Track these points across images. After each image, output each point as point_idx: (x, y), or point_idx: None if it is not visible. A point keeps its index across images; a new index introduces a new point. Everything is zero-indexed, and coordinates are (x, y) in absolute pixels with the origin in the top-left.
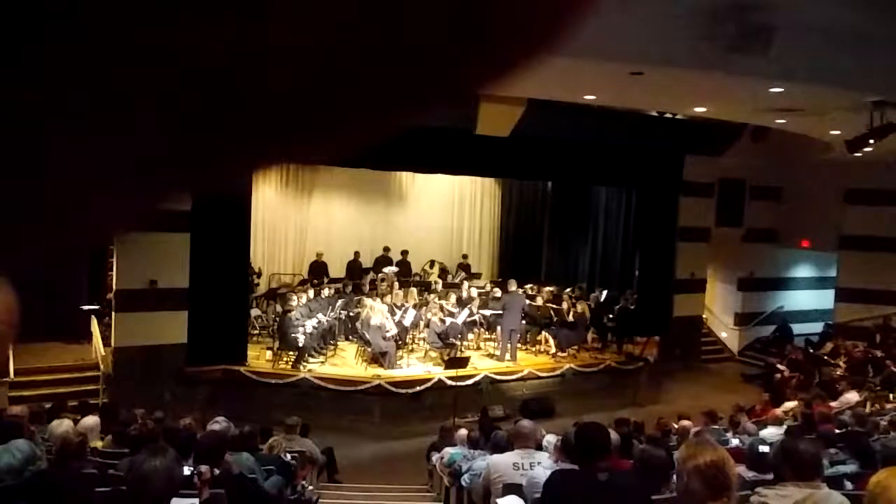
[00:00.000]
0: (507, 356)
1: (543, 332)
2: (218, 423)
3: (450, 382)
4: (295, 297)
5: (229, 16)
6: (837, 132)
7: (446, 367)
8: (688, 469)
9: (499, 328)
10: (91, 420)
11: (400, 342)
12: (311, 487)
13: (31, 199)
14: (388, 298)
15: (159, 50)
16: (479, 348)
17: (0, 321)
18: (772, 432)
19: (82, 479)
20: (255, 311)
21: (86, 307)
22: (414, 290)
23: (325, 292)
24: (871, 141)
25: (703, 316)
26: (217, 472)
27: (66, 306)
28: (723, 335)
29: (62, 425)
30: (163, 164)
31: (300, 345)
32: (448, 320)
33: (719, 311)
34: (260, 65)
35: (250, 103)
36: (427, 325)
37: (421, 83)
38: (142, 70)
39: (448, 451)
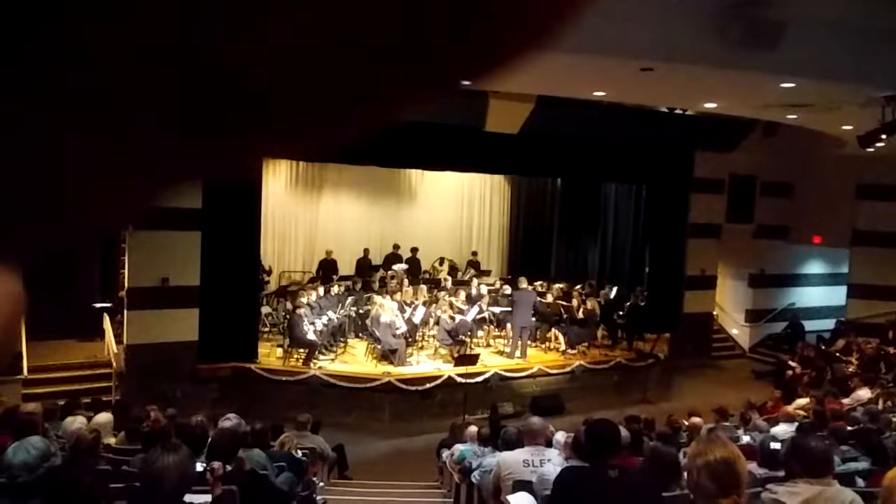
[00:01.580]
0: (518, 353)
1: (553, 329)
2: (229, 420)
3: (459, 379)
4: (305, 295)
5: (229, 15)
6: (849, 127)
7: (456, 365)
8: (698, 465)
9: (509, 325)
10: (104, 417)
11: (410, 339)
12: (321, 484)
13: (34, 194)
14: (397, 296)
15: (160, 49)
16: (488, 345)
17: (7, 314)
18: (783, 429)
19: (96, 475)
20: (265, 309)
21: (98, 305)
22: (423, 287)
23: (335, 290)
24: (884, 136)
25: (714, 312)
26: (229, 468)
27: (79, 304)
28: (734, 332)
29: (76, 422)
30: (163, 160)
31: (311, 342)
32: (458, 317)
33: (730, 307)
34: (260, 63)
35: (250, 99)
36: (437, 323)
37: (418, 76)
38: (142, 69)
39: (458, 447)
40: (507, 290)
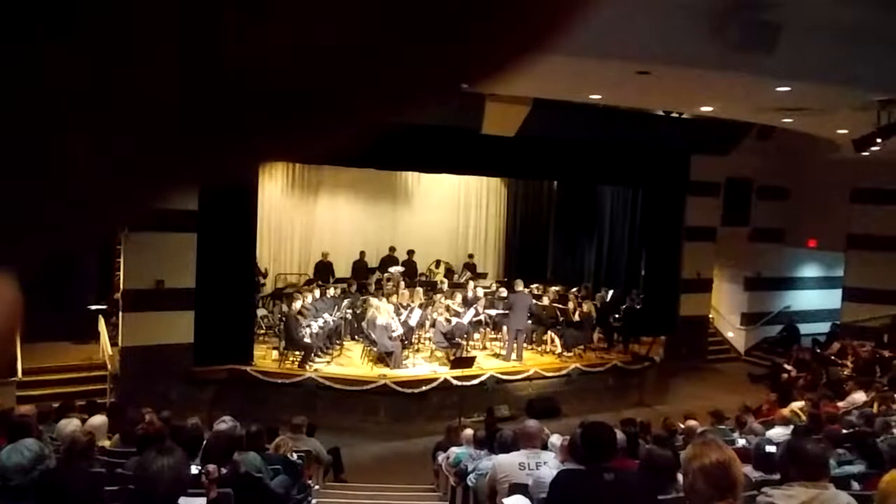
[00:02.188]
0: (513, 356)
1: (549, 332)
2: (224, 423)
3: (455, 382)
4: (301, 297)
5: (229, 15)
6: (844, 131)
7: (452, 367)
8: (693, 469)
9: (505, 328)
10: (99, 419)
11: (406, 342)
12: (317, 487)
13: (33, 196)
14: (393, 298)
15: (161, 49)
16: (484, 348)
17: (4, 317)
18: (778, 432)
19: (90, 478)
20: (261, 311)
21: (93, 307)
22: (420, 289)
23: (331, 292)
24: (879, 140)
25: (710, 316)
26: (224, 471)
27: (74, 306)
28: (729, 335)
29: (70, 424)
30: (164, 161)
31: (307, 344)
32: (454, 320)
33: (726, 310)
34: (260, 63)
35: (250, 101)
36: (433, 325)
37: (418, 80)
38: (143, 69)
39: (454, 450)
40: (504, 292)
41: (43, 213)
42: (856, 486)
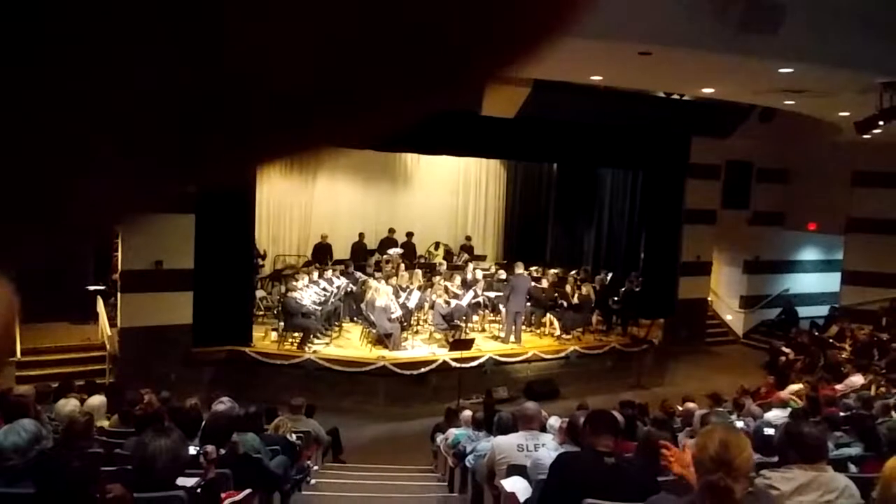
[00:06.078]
0: (512, 338)
1: (548, 315)
2: (223, 404)
3: (454, 364)
4: (299, 279)
5: (230, 15)
6: (846, 114)
7: (451, 349)
8: (698, 444)
9: (504, 310)
10: (97, 400)
11: (405, 324)
12: (316, 468)
13: (31, 196)
14: (393, 280)
15: (161, 48)
16: (483, 330)
17: (3, 322)
18: (776, 415)
19: (88, 458)
20: (259, 293)
21: (92, 287)
22: (419, 271)
23: (330, 273)
24: (881, 122)
25: (709, 298)
26: (223, 451)
27: (73, 286)
28: (728, 318)
29: (68, 405)
30: (164, 162)
31: (305, 326)
32: (453, 302)
33: (725, 293)
34: (260, 63)
35: (254, 100)
36: (432, 307)
37: (431, 74)
38: (143, 69)
39: (452, 432)
40: (503, 274)
41: (42, 212)
42: (853, 468)
